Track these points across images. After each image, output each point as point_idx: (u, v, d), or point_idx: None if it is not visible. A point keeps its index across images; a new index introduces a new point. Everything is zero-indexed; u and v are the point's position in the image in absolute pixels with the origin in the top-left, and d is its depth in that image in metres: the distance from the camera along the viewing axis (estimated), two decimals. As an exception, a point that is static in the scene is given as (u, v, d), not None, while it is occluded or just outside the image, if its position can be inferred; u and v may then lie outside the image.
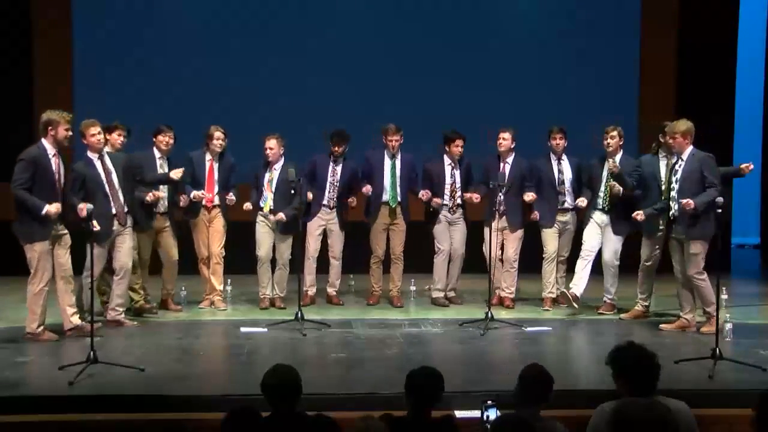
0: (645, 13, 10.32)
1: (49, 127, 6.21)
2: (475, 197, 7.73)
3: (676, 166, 6.66)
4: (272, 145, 7.58)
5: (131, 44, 9.79)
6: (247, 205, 7.59)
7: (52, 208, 6.10)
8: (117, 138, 7.16)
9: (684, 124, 6.64)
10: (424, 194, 7.76)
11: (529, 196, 7.63)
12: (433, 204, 7.78)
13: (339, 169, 7.86)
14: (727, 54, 10.38)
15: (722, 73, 10.32)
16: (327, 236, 7.97)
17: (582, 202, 7.54)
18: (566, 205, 7.69)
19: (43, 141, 6.23)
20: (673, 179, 6.67)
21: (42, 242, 6.16)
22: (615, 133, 7.40)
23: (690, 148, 6.62)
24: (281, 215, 7.50)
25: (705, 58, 10.06)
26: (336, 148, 7.77)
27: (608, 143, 7.40)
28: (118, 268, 6.77)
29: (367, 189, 7.83)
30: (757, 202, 11.85)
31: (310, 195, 7.72)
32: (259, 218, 7.69)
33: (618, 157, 7.36)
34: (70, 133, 6.31)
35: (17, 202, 6.14)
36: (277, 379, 3.64)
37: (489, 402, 3.81)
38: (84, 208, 5.99)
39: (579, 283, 7.47)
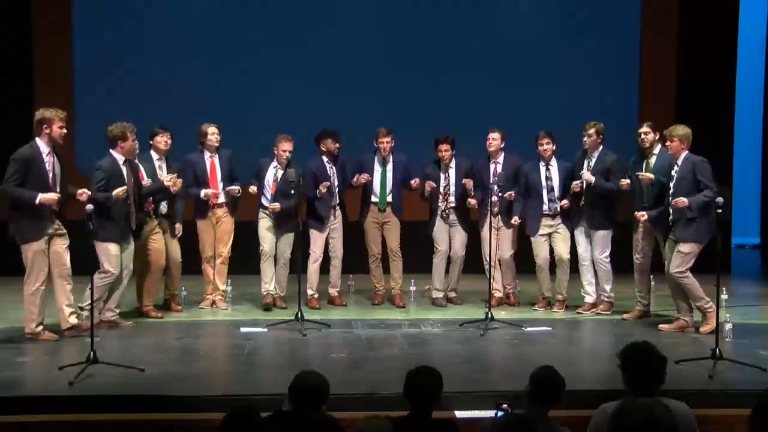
0: (645, 13, 10.33)
1: (44, 125, 6.17)
2: (473, 203, 7.74)
3: (672, 172, 6.74)
4: (290, 147, 7.58)
5: (131, 44, 9.80)
6: (252, 189, 7.57)
7: (47, 196, 6.07)
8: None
9: (683, 129, 6.74)
10: (414, 182, 7.74)
11: (510, 195, 7.64)
12: (427, 188, 7.72)
13: (335, 170, 7.86)
14: (727, 54, 10.39)
15: (722, 73, 10.33)
16: (328, 237, 7.94)
17: (565, 203, 7.51)
18: (552, 210, 7.60)
19: (37, 140, 6.19)
20: (670, 185, 6.72)
21: (36, 241, 6.14)
22: (592, 131, 7.39)
23: (684, 153, 6.69)
24: (277, 204, 7.50)
25: (705, 58, 10.07)
26: (334, 146, 7.76)
27: (584, 141, 7.42)
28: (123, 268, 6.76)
29: (365, 177, 7.75)
30: (757, 202, 11.86)
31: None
32: (262, 214, 7.71)
33: (596, 153, 7.39)
34: (65, 130, 6.29)
35: (11, 201, 6.13)
36: (310, 385, 3.65)
37: (503, 405, 3.80)
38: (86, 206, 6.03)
39: (590, 291, 7.53)
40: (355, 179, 7.79)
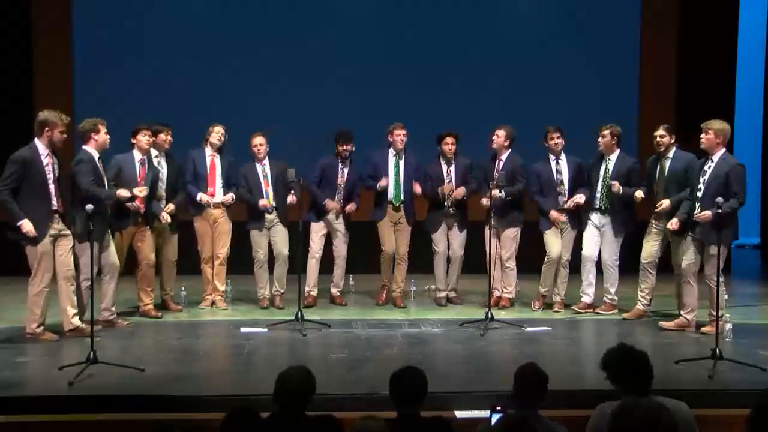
0: (645, 13, 10.33)
1: (46, 128, 6.16)
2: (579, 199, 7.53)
3: (705, 167, 6.58)
4: (262, 141, 7.64)
5: (131, 44, 9.80)
6: (263, 202, 7.59)
7: (27, 226, 6.02)
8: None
9: (719, 123, 6.58)
10: (417, 186, 7.77)
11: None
12: (441, 191, 7.73)
13: (346, 170, 7.86)
14: (727, 54, 10.38)
15: (722, 73, 10.32)
16: (331, 237, 7.96)
17: (580, 198, 7.44)
18: (564, 205, 7.56)
19: (36, 141, 6.18)
20: (701, 180, 6.58)
21: (41, 242, 6.13)
22: (607, 132, 7.37)
23: (722, 151, 6.55)
24: (294, 198, 7.50)
25: (705, 58, 10.06)
26: (345, 148, 7.77)
27: (599, 142, 7.41)
28: (108, 267, 6.73)
29: (384, 182, 7.78)
30: (757, 202, 11.86)
31: (333, 203, 7.74)
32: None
33: (614, 157, 7.37)
34: (65, 136, 6.28)
35: (1, 203, 6.10)
36: (294, 383, 3.63)
37: (498, 408, 3.80)
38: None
39: (588, 291, 7.51)
40: (379, 185, 7.76)
